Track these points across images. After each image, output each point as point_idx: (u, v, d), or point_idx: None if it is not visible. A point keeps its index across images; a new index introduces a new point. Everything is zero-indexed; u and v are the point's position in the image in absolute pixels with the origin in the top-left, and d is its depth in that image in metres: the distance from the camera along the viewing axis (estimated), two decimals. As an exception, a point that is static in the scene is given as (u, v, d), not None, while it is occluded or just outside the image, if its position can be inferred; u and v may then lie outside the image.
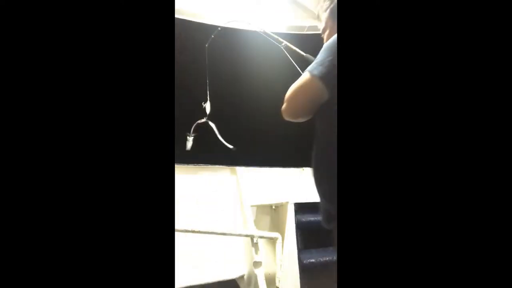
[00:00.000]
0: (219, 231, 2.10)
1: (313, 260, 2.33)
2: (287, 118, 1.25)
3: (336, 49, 1.09)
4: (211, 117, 2.08)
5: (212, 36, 2.04)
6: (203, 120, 2.06)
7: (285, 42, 1.76)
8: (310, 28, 2.71)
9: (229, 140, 2.06)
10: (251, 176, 2.65)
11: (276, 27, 2.72)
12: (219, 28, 2.03)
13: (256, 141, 3.08)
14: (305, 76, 1.17)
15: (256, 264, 2.18)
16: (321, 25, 1.42)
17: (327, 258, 2.34)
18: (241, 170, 2.61)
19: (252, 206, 2.48)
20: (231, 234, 2.21)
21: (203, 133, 2.11)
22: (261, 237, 2.27)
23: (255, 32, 1.97)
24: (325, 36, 1.41)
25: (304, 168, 2.95)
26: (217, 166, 2.55)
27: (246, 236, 2.28)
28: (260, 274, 2.17)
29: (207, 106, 2.06)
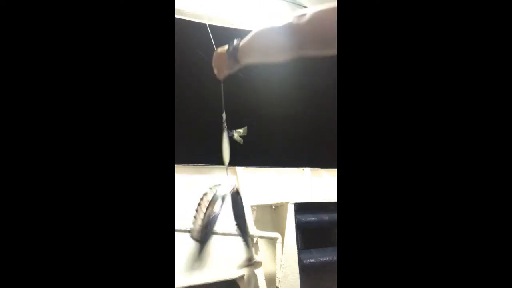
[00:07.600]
0: (219, 231, 2.10)
1: (313, 260, 2.32)
2: None
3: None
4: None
5: (211, 36, 2.00)
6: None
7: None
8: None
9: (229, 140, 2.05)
10: (251, 176, 2.64)
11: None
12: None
13: (256, 141, 3.08)
14: None
15: (256, 264, 2.17)
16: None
17: (327, 258, 2.33)
18: (241, 170, 2.61)
19: (252, 206, 2.48)
20: (231, 234, 2.21)
21: (203, 133, 2.09)
22: (261, 237, 2.26)
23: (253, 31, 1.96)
24: None
25: (304, 168, 2.94)
26: (217, 166, 2.55)
27: (246, 236, 2.29)
28: (260, 274, 2.16)
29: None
